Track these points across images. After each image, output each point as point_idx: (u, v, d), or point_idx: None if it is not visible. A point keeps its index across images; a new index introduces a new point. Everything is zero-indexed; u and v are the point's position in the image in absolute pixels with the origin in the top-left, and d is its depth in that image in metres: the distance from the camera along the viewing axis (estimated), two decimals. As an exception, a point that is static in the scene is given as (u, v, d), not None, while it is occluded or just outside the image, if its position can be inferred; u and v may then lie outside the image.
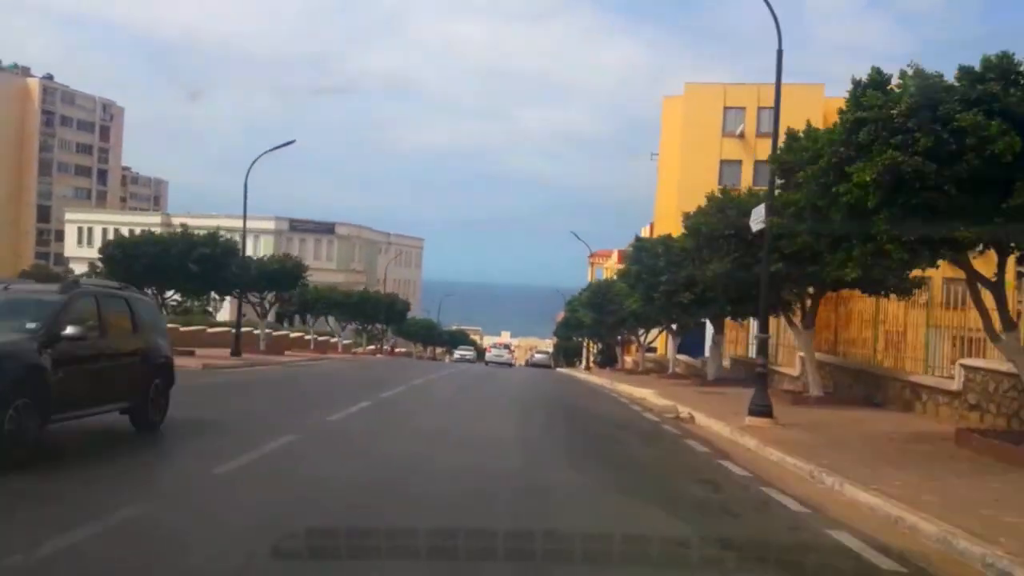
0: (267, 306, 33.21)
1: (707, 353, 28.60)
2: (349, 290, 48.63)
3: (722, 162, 43.64)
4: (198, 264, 23.90)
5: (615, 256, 70.34)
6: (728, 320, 26.72)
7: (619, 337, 43.42)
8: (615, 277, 37.11)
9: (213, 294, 26.34)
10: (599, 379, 28.64)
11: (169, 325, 32.39)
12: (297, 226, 78.33)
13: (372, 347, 56.25)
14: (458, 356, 67.50)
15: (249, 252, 31.88)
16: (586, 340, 55.11)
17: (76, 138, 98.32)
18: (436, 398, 17.25)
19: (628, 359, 46.32)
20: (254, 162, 25.60)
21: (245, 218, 25.83)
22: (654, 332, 37.82)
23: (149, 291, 25.00)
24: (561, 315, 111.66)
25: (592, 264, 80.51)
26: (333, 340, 47.47)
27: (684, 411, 14.15)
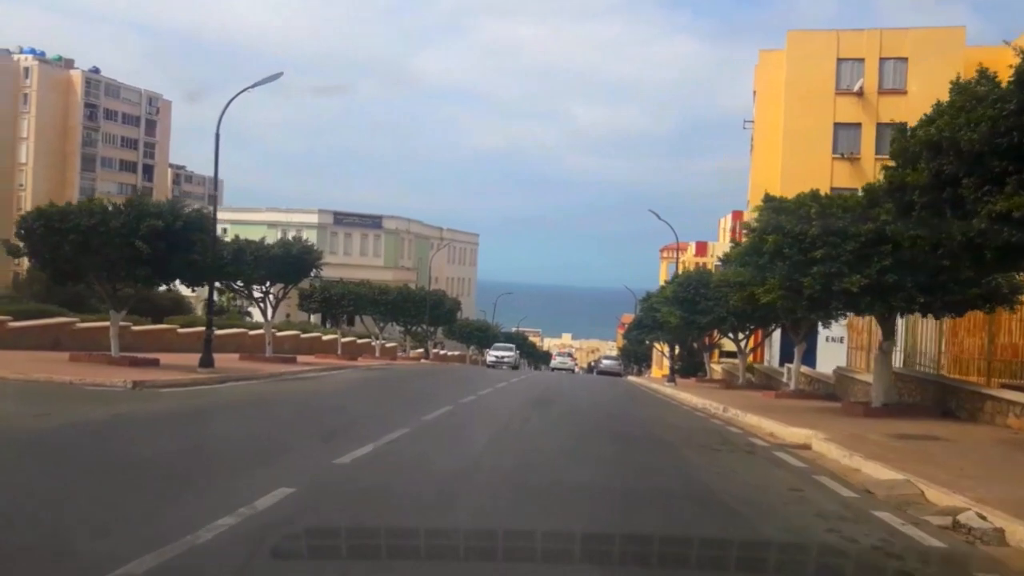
0: (271, 301, 26.67)
1: (787, 364, 20.77)
2: (385, 286, 41.99)
3: (837, 126, 35.60)
4: (149, 242, 17.36)
5: (691, 249, 62.23)
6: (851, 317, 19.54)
7: (705, 341, 35.75)
8: (718, 262, 29.31)
9: (181, 285, 19.76)
10: (696, 398, 21.20)
11: (138, 328, 27.12)
12: (342, 219, 72.52)
13: (418, 351, 49.66)
14: (492, 358, 48.38)
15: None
16: (663, 345, 47.45)
17: (121, 132, 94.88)
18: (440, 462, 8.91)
19: (716, 367, 38.52)
20: (233, 98, 19.06)
21: (217, 173, 19.07)
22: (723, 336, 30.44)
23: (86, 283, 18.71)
24: (627, 316, 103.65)
25: (665, 258, 72.82)
26: (374, 343, 40.98)
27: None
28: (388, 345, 45.04)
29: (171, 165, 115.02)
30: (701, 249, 52.84)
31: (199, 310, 62.89)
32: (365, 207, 75.38)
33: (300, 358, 28.72)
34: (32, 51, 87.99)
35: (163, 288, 28.33)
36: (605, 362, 54.56)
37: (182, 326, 31.58)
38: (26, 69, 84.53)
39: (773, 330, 28.81)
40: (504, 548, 4.99)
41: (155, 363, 19.67)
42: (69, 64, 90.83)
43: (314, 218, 70.04)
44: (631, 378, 47.01)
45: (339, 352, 33.74)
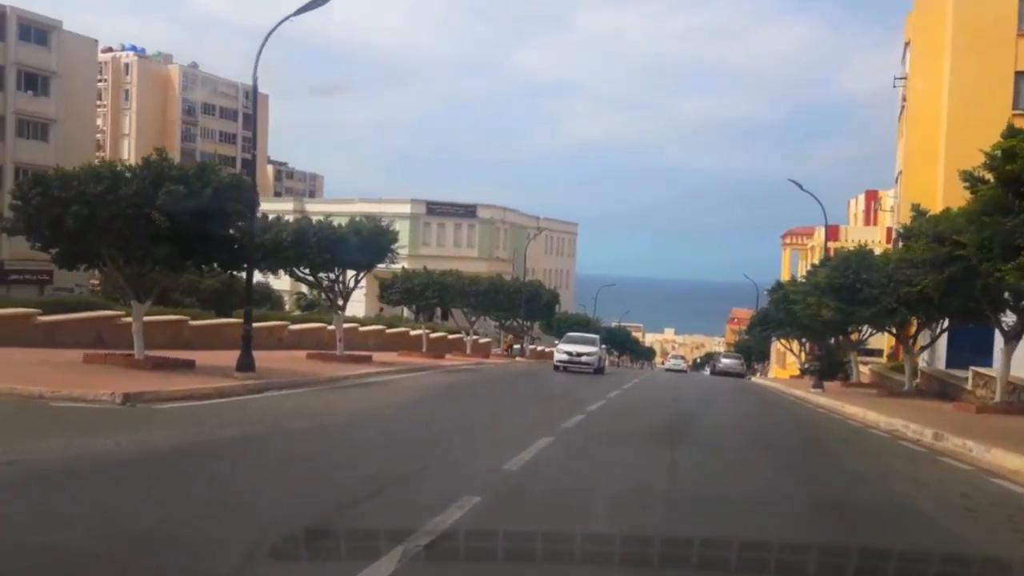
0: (340, 290, 22.81)
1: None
2: (476, 276, 37.81)
3: (1019, 75, 29.09)
4: (168, 213, 13.59)
5: (818, 234, 55.58)
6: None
7: (851, 336, 29.91)
8: (899, 230, 23.56)
9: (216, 267, 15.93)
10: (869, 412, 15.95)
11: (197, 323, 22.64)
12: (435, 209, 69.13)
13: (515, 347, 45.51)
14: (563, 356, 29.17)
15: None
16: (790, 342, 41.59)
17: (219, 127, 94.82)
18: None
19: (864, 370, 32.55)
20: (277, 25, 15.04)
21: (255, 127, 14.95)
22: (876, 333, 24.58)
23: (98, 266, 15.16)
24: (739, 311, 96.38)
25: (788, 245, 66.18)
26: (465, 339, 37.03)
27: None
28: (481, 341, 41.07)
29: (271, 161, 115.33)
30: (833, 233, 46.38)
31: (289, 304, 60.95)
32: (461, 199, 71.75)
33: (379, 356, 24.83)
34: (132, 48, 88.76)
35: (226, 274, 24.92)
36: (725, 361, 48.62)
37: (258, 320, 28.37)
38: (126, 65, 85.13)
39: (946, 327, 23.02)
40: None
41: (189, 365, 16.01)
42: (167, 59, 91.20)
43: (407, 208, 66.93)
44: (756, 379, 41.34)
45: (424, 349, 29.80)
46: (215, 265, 16.08)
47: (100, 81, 74.75)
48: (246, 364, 15.09)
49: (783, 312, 32.07)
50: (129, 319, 22.76)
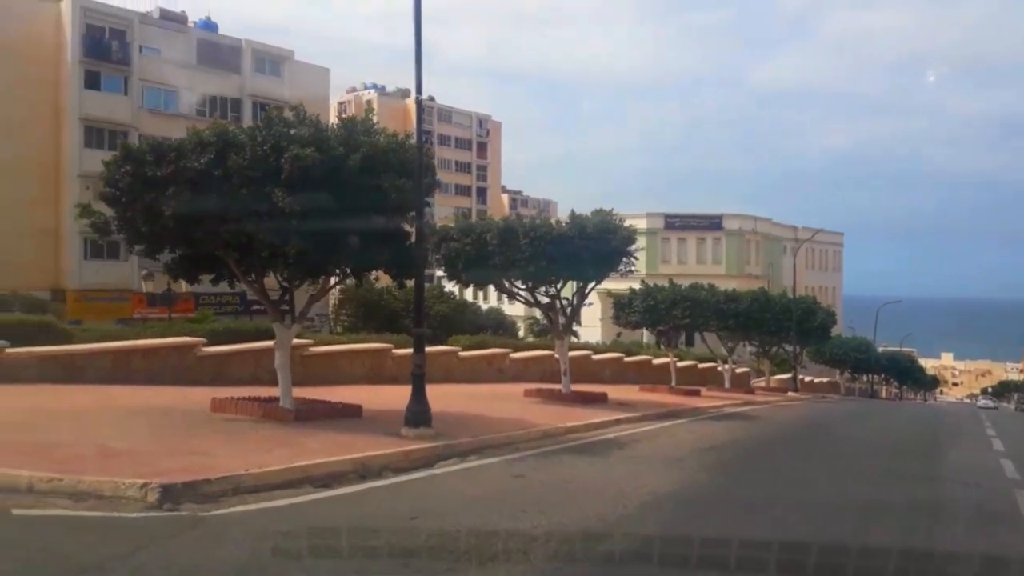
0: (562, 307, 17.43)
1: None
2: (732, 292, 30.78)
3: None
4: (294, 188, 9.02)
5: None
6: None
7: None
8: None
9: (384, 274, 11.00)
10: None
11: (400, 351, 16.28)
12: (675, 222, 62.49)
13: (785, 383, 37.71)
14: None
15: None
16: None
17: (454, 156, 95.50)
18: None
19: None
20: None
21: (419, 76, 9.86)
22: None
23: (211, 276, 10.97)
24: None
25: None
26: (721, 369, 30.33)
27: None
28: (738, 371, 33.96)
29: (506, 190, 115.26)
30: None
31: (523, 331, 57.05)
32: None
33: (616, 392, 19.10)
34: (374, 86, 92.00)
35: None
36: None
37: (476, 347, 23.94)
38: (368, 102, 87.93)
39: None
40: None
41: (352, 413, 11.39)
42: (405, 94, 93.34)
43: (642, 223, 60.90)
44: None
45: (673, 383, 23.60)
46: (376, 270, 11.24)
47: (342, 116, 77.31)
48: (417, 416, 10.00)
49: None
50: (323, 348, 19.24)
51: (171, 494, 6.25)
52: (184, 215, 9.51)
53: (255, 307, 43.08)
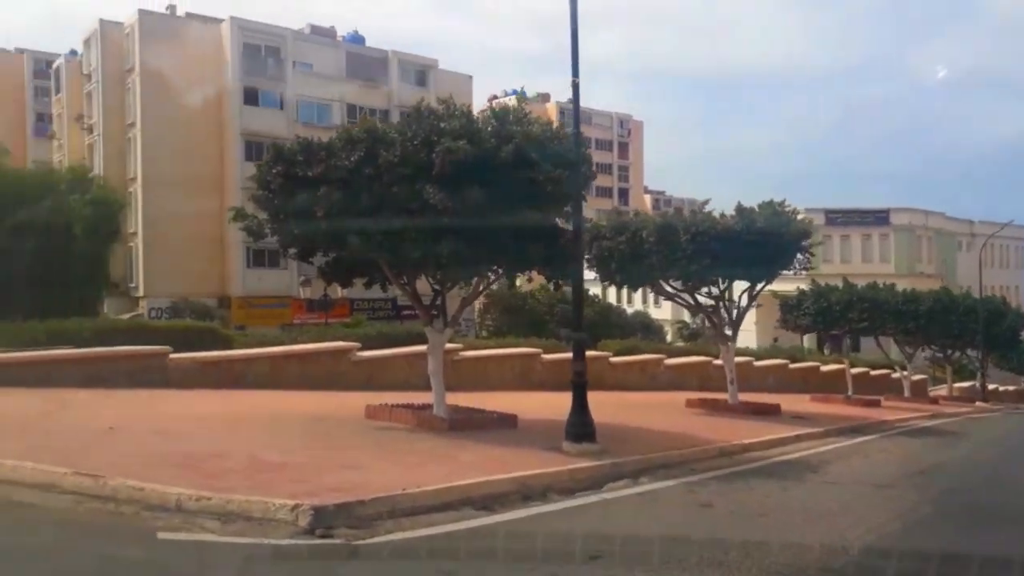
0: (726, 310, 16.04)
1: None
2: (912, 292, 27.89)
3: None
4: (446, 184, 8.37)
5: None
6: None
7: None
8: None
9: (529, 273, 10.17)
10: None
11: (512, 350, 16.29)
12: (836, 218, 58.41)
13: (968, 392, 34.15)
14: None
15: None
16: None
17: (595, 158, 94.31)
18: None
19: None
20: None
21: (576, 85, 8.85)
22: None
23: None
24: None
25: None
26: (898, 376, 27.69)
27: None
28: (915, 379, 30.85)
29: (648, 190, 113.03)
30: None
31: (671, 335, 54.95)
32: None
33: (787, 402, 17.38)
34: (514, 91, 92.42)
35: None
36: None
37: (626, 352, 22.77)
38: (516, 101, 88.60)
39: None
40: None
41: (505, 423, 10.68)
42: (545, 98, 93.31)
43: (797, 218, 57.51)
44: None
45: (849, 393, 21.45)
46: (530, 270, 10.45)
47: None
48: (579, 429, 9.08)
49: None
50: (473, 352, 18.73)
51: (323, 517, 5.63)
52: (335, 215, 9.07)
53: (405, 312, 43.73)
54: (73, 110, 46.44)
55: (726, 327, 16.37)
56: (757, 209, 15.13)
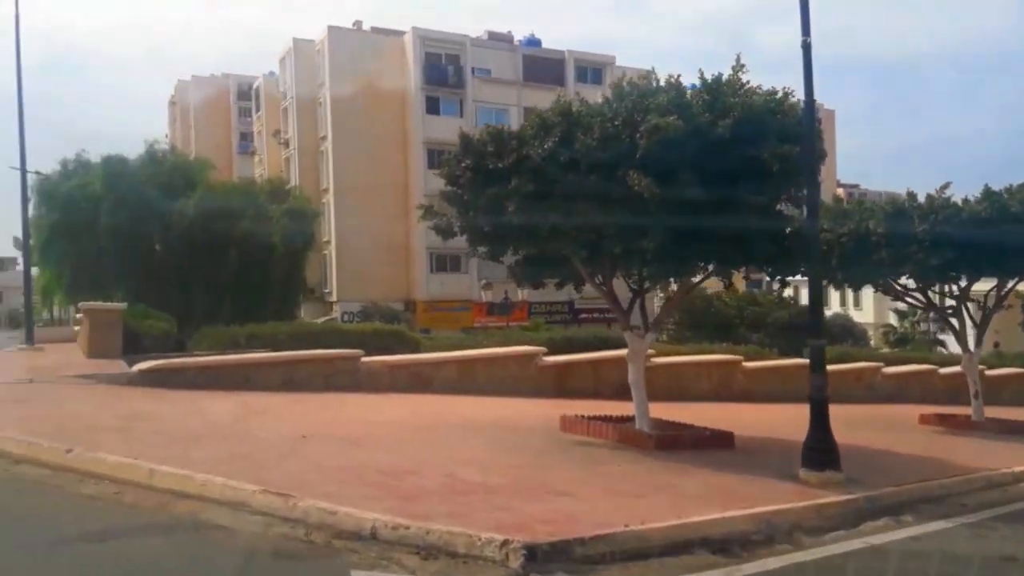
0: (969, 312, 13.72)
1: None
2: None
3: None
4: (655, 168, 7.28)
5: None
6: None
7: None
8: None
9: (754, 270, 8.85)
10: None
11: (709, 357, 14.99)
12: None
13: None
14: None
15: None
16: None
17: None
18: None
19: None
20: None
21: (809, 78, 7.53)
22: None
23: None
24: None
25: None
26: None
27: None
28: None
29: (841, 184, 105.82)
30: None
31: (874, 339, 50.03)
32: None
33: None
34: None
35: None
36: None
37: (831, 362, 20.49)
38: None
39: None
40: None
41: (722, 442, 9.39)
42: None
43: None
44: None
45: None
46: (758, 268, 9.10)
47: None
48: (821, 454, 7.62)
49: None
50: (667, 359, 17.42)
51: (537, 557, 4.71)
52: (527, 209, 8.21)
53: (583, 315, 43.00)
54: (271, 127, 49.61)
55: (967, 332, 14.06)
56: (1008, 194, 12.81)
